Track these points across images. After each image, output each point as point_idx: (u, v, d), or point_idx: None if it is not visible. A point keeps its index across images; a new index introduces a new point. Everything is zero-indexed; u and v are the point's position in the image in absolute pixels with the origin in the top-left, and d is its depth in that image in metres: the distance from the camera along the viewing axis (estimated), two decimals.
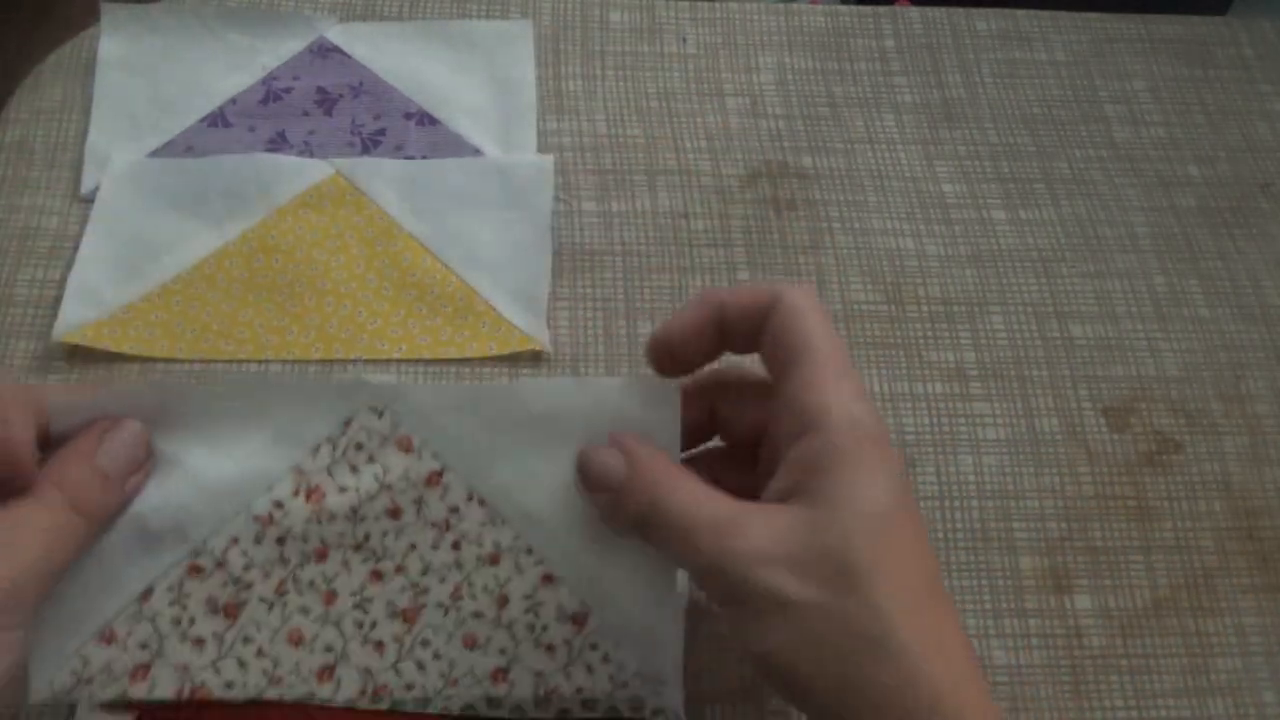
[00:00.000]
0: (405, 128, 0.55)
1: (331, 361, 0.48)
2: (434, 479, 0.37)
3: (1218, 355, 0.52)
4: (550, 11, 0.61)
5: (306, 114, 0.56)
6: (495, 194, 0.53)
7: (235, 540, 0.36)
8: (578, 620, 0.36)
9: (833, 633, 0.30)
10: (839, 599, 0.30)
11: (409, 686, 0.36)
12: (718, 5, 0.63)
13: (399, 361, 0.49)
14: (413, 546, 0.37)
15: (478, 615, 0.36)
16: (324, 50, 0.58)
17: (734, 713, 0.41)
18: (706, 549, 0.31)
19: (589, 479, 0.35)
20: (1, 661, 0.30)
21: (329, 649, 0.36)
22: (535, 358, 0.49)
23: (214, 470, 0.35)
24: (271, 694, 0.35)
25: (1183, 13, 0.65)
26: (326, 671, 0.36)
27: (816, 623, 0.30)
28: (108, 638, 0.34)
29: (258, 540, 0.36)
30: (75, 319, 0.48)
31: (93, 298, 0.49)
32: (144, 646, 0.35)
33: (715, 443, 0.39)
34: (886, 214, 0.55)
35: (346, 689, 0.36)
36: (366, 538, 0.36)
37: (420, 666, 0.36)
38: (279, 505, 0.36)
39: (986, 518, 0.47)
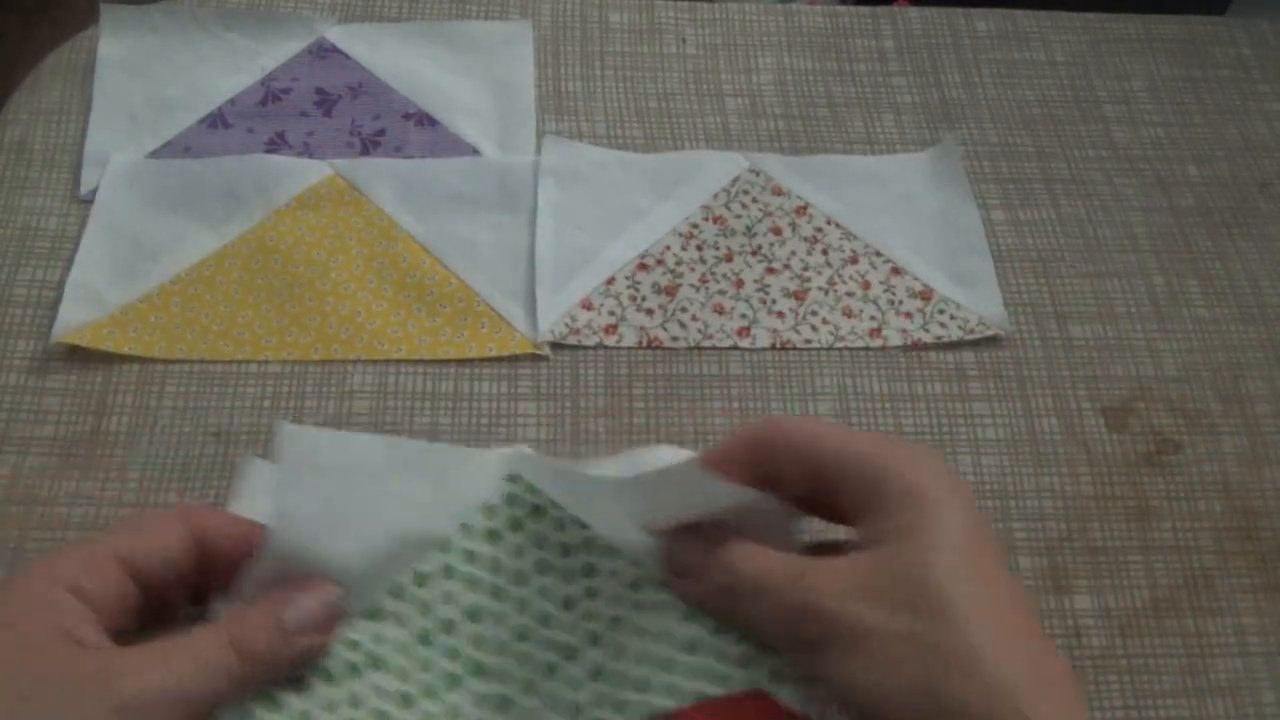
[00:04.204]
0: (404, 128, 0.55)
1: (331, 361, 0.48)
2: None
3: (1217, 355, 0.52)
4: (550, 12, 0.61)
5: (305, 115, 0.56)
6: (494, 195, 0.53)
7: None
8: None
9: (919, 660, 0.29)
10: (925, 625, 0.29)
11: None
12: (717, 6, 0.63)
13: (398, 361, 0.48)
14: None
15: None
16: (323, 51, 0.58)
17: None
18: (788, 595, 0.31)
19: (675, 563, 0.35)
20: None
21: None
22: (534, 359, 0.49)
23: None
24: None
25: (1181, 13, 0.65)
26: None
27: (902, 650, 0.29)
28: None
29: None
30: (74, 319, 0.48)
31: (92, 298, 0.49)
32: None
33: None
34: None
35: None
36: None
37: None
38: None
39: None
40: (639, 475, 0.36)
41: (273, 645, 0.31)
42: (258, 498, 0.37)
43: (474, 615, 0.36)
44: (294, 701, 0.33)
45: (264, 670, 0.31)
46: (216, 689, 0.30)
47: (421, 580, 0.36)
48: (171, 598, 0.32)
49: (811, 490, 0.34)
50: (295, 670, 0.32)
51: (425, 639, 0.35)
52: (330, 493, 0.35)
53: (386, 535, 0.35)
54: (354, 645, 0.34)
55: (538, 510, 0.37)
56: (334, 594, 0.33)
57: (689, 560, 0.34)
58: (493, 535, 0.37)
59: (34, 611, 0.29)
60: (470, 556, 0.36)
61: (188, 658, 0.30)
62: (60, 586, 0.29)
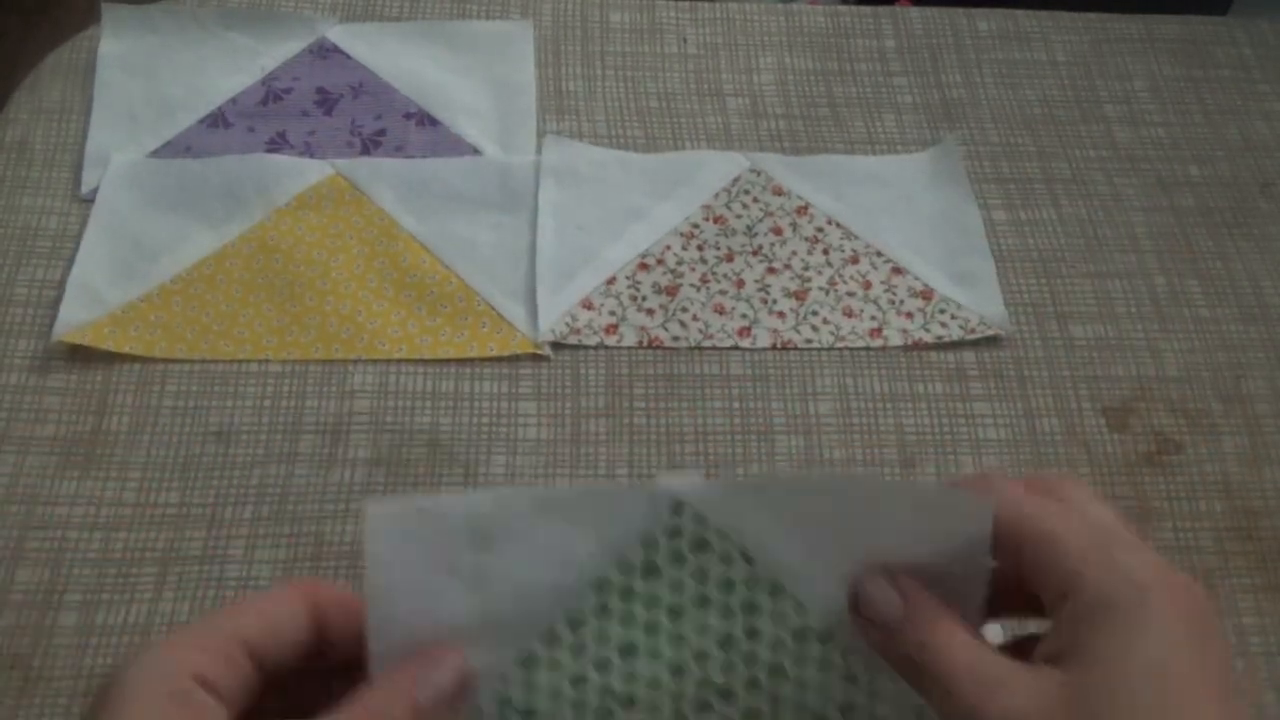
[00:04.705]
0: (405, 128, 0.55)
1: (331, 361, 0.48)
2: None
3: (1217, 355, 0.52)
4: (550, 12, 0.61)
5: (306, 114, 0.56)
6: (495, 195, 0.53)
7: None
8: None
9: None
10: None
11: None
12: (718, 6, 0.63)
13: (399, 361, 0.48)
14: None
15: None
16: (324, 51, 0.58)
17: None
18: (966, 704, 0.30)
19: (865, 609, 0.33)
20: None
21: None
22: (535, 358, 0.49)
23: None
24: None
25: (1183, 13, 0.65)
26: None
27: None
28: None
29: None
30: (75, 319, 0.48)
31: (93, 298, 0.49)
32: None
33: None
34: None
35: None
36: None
37: None
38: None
39: None
40: (845, 488, 0.34)
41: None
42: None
43: (629, 651, 0.35)
44: None
45: None
46: None
47: (576, 622, 0.35)
48: (287, 677, 0.31)
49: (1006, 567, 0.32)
50: None
51: (579, 681, 0.34)
52: (437, 554, 0.33)
53: (524, 583, 0.34)
54: (505, 701, 0.34)
55: (702, 543, 0.36)
56: (462, 662, 0.32)
57: (882, 612, 0.33)
58: (651, 569, 0.35)
59: (166, 708, 0.27)
60: (627, 593, 0.35)
61: None
62: (187, 676, 0.28)
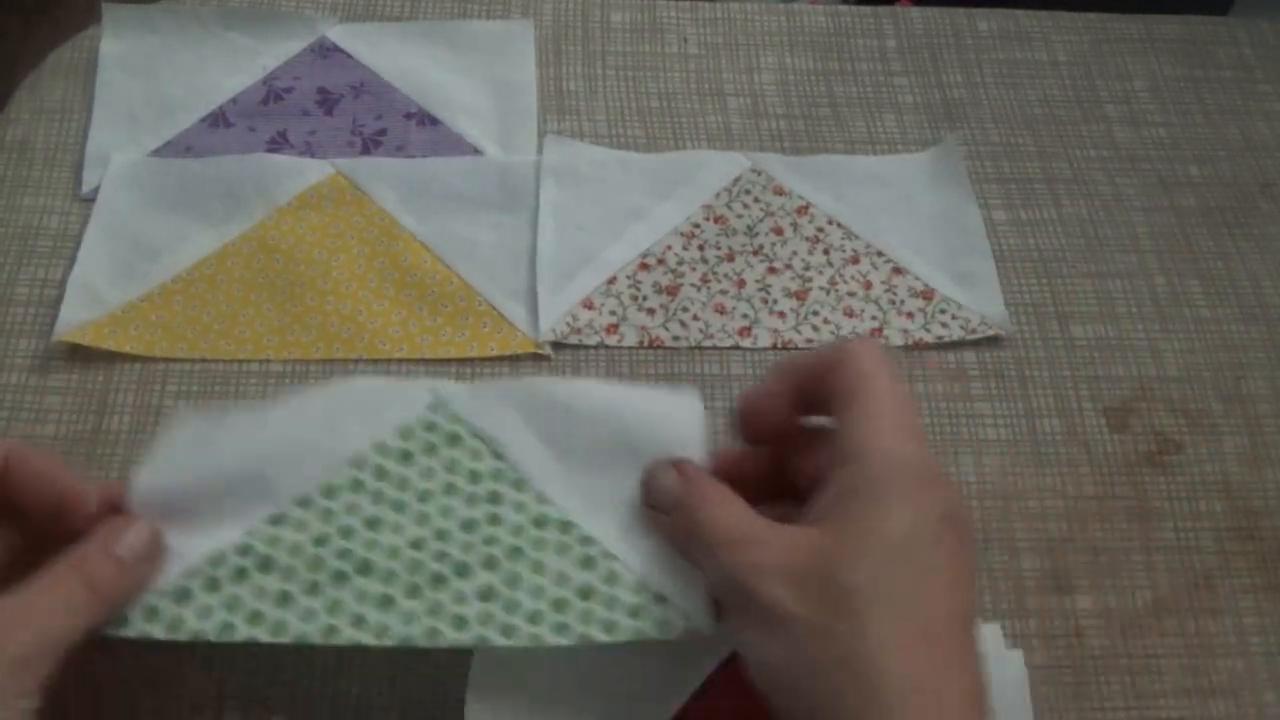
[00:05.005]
0: (406, 128, 0.55)
1: (332, 361, 0.48)
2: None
3: (1218, 355, 0.52)
4: (551, 12, 0.61)
5: (307, 114, 0.56)
6: (496, 194, 0.53)
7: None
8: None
9: (819, 652, 0.30)
10: (831, 620, 0.30)
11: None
12: (719, 5, 0.63)
13: (400, 361, 0.48)
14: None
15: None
16: (325, 50, 0.58)
17: None
18: (724, 561, 0.33)
19: (651, 497, 0.37)
20: None
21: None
22: (535, 358, 0.49)
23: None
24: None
25: (1183, 13, 0.65)
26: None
27: (807, 640, 0.30)
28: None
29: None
30: (76, 318, 0.48)
31: (93, 297, 0.49)
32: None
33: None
34: None
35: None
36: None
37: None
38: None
39: (987, 518, 0.47)
40: (585, 392, 0.40)
41: (119, 578, 0.34)
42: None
43: (373, 524, 0.38)
44: (171, 608, 0.36)
45: (112, 604, 0.34)
46: (78, 626, 0.33)
47: (329, 491, 0.38)
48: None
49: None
50: (131, 599, 0.35)
51: (321, 542, 0.38)
52: (204, 434, 0.38)
53: (287, 455, 0.38)
54: (246, 550, 0.37)
55: (455, 438, 0.40)
56: (151, 527, 0.36)
57: (665, 496, 0.36)
58: (406, 456, 0.39)
59: None
60: (381, 473, 0.39)
61: (56, 604, 0.33)
62: None
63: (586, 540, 0.38)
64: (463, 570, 0.38)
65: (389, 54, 0.58)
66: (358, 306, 0.50)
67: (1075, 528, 0.47)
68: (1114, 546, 0.46)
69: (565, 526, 0.38)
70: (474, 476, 0.39)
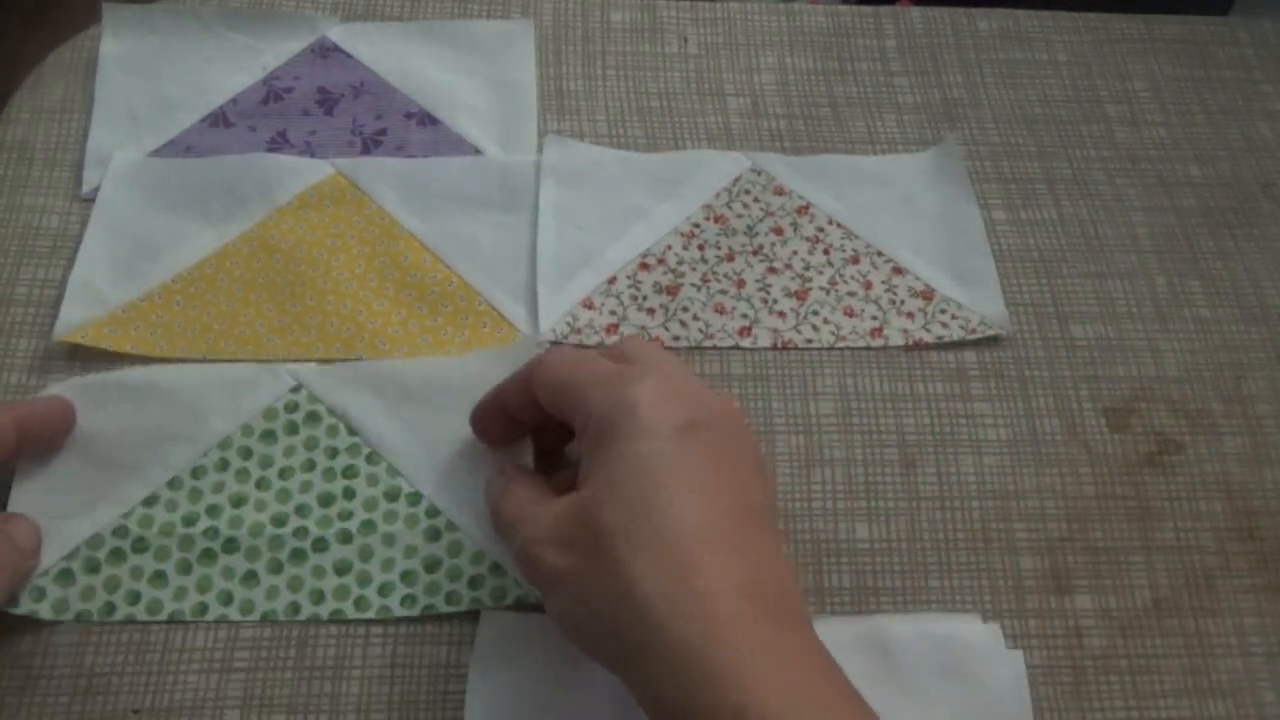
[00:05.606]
0: (406, 128, 0.55)
1: (332, 361, 0.48)
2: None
3: (1218, 355, 0.52)
4: (551, 11, 0.61)
5: (307, 114, 0.56)
6: (496, 194, 0.53)
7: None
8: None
9: (594, 596, 0.32)
10: (593, 565, 0.32)
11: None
12: (718, 5, 0.63)
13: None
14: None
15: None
16: (325, 50, 0.58)
17: None
18: (511, 540, 0.37)
19: (486, 498, 0.41)
20: None
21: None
22: None
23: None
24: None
25: (1184, 13, 0.65)
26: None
27: (582, 589, 0.33)
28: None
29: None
30: (76, 319, 0.48)
31: (93, 297, 0.49)
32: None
33: None
34: None
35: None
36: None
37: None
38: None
39: (987, 518, 0.47)
40: (432, 370, 0.44)
41: (21, 563, 0.39)
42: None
43: (238, 502, 0.42)
44: (56, 590, 0.40)
45: (8, 585, 0.39)
46: None
47: (197, 472, 0.42)
48: None
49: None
50: (17, 587, 0.40)
51: (190, 521, 0.42)
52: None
53: (158, 438, 0.43)
54: (123, 532, 0.41)
55: (314, 416, 0.44)
56: (31, 524, 0.40)
57: (491, 496, 0.40)
58: (269, 436, 0.43)
59: None
60: (246, 453, 0.43)
61: None
62: None
63: (433, 512, 0.42)
64: (320, 545, 0.41)
65: (389, 54, 0.58)
66: (358, 306, 0.50)
67: (1075, 528, 0.47)
68: (1114, 546, 0.46)
69: (414, 498, 0.42)
70: (332, 452, 0.43)
